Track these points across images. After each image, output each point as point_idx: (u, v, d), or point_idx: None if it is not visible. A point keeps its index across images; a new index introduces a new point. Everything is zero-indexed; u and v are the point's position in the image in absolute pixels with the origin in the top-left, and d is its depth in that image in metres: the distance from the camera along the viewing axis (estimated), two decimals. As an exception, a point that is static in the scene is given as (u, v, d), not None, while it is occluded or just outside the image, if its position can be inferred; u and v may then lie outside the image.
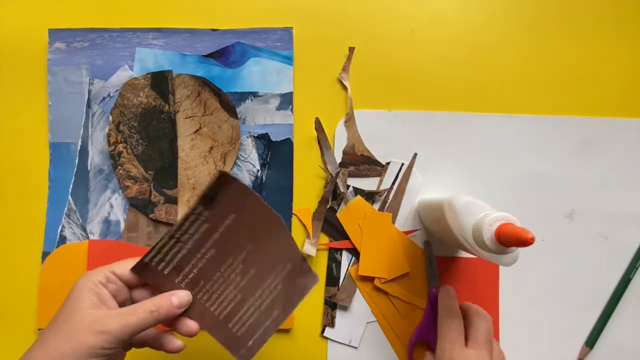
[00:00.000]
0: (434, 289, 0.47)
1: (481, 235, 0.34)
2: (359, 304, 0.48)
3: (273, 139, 0.49)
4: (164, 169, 0.48)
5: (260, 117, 0.49)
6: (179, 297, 0.34)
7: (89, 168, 0.48)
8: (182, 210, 0.48)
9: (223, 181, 0.33)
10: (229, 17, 0.50)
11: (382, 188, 0.49)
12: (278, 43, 0.49)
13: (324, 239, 0.48)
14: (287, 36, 0.49)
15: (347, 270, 0.48)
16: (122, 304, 0.34)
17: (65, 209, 0.48)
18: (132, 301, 0.35)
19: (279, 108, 0.49)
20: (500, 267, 0.48)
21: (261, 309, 0.36)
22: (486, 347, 0.39)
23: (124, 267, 0.34)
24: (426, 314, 0.47)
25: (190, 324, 0.35)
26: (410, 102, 0.50)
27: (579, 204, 0.49)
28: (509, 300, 0.48)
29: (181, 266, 0.34)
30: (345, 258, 0.48)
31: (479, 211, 0.36)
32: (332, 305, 0.48)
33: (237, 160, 0.49)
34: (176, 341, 0.35)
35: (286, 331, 0.48)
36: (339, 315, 0.48)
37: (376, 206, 0.49)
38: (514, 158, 0.49)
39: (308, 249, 0.47)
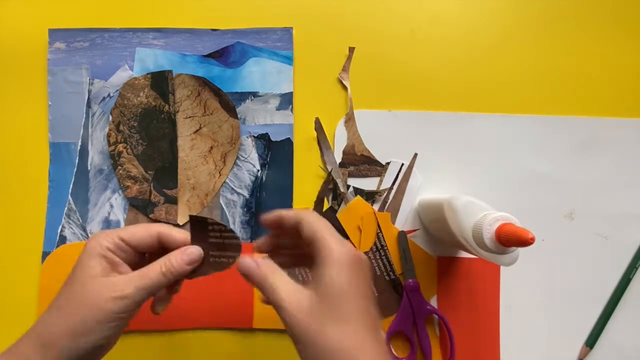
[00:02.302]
0: (410, 281, 0.47)
1: (481, 235, 0.34)
2: (359, 304, 0.48)
3: (273, 139, 0.49)
4: (164, 169, 0.48)
5: (260, 117, 0.49)
6: (189, 254, 0.33)
7: (89, 168, 0.48)
8: (182, 210, 0.48)
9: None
10: (229, 17, 0.50)
11: (382, 188, 0.49)
12: (278, 43, 0.49)
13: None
14: (287, 36, 0.49)
15: (347, 270, 0.48)
16: (134, 266, 0.34)
17: (65, 209, 0.48)
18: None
19: (279, 108, 0.49)
20: (501, 267, 0.48)
21: None
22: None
23: (131, 232, 0.34)
24: (402, 304, 0.47)
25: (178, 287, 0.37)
26: (410, 102, 0.50)
27: (579, 204, 0.49)
28: (508, 300, 0.48)
29: None
30: (345, 258, 0.48)
31: (479, 211, 0.36)
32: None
33: (237, 160, 0.49)
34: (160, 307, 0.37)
35: (286, 331, 0.48)
36: (339, 315, 0.48)
37: (376, 206, 0.49)
38: (514, 158, 0.49)
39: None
